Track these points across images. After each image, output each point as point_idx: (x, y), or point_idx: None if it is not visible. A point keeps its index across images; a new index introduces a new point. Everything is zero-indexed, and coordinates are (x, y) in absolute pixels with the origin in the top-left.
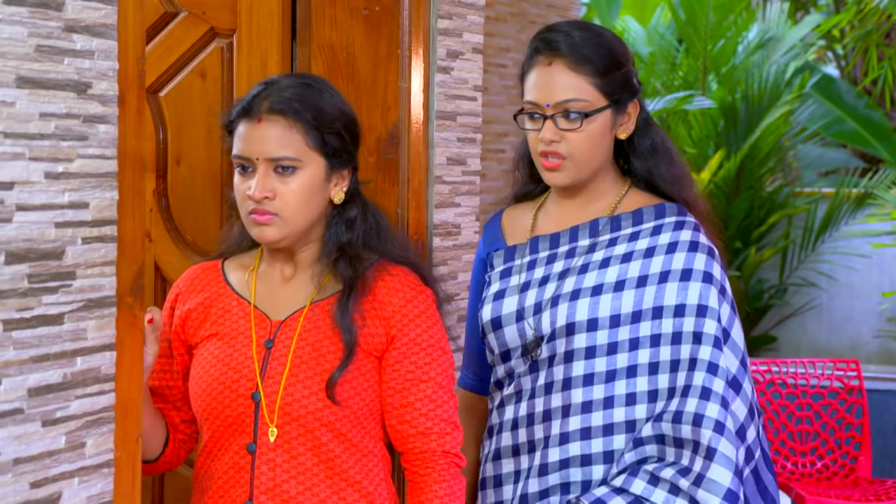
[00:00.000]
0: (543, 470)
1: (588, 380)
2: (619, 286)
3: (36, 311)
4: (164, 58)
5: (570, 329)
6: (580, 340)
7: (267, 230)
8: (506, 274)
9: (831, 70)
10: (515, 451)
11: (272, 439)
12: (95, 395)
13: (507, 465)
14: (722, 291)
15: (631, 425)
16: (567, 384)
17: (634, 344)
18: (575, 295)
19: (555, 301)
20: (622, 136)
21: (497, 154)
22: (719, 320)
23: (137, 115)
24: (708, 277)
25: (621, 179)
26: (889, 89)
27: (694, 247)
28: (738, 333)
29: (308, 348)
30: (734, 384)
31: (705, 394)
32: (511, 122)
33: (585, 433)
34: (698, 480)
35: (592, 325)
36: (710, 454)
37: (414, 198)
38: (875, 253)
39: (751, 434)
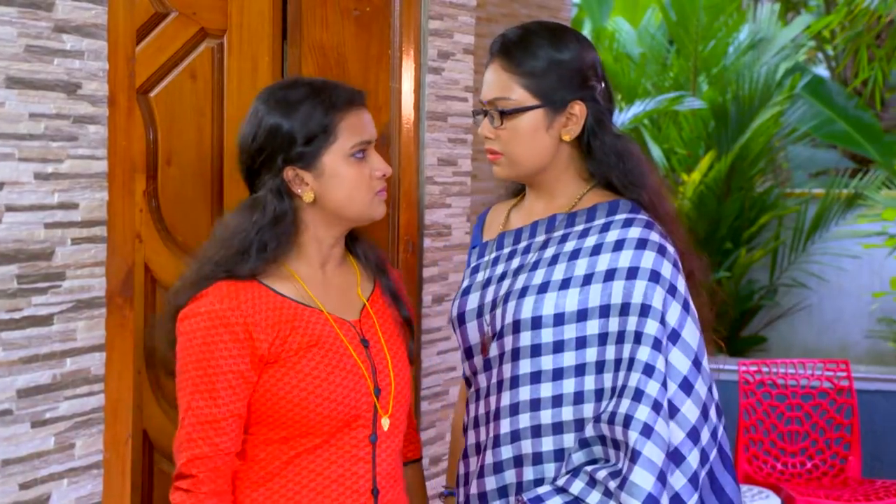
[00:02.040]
0: (498, 467)
1: (535, 377)
2: (565, 284)
3: (25, 311)
4: (154, 58)
5: (516, 327)
6: (525, 338)
7: (384, 206)
8: (475, 270)
9: (822, 71)
10: (477, 450)
11: (386, 428)
12: (85, 396)
13: (473, 463)
14: (671, 291)
15: (580, 424)
16: (515, 382)
17: (581, 342)
18: (523, 292)
19: (506, 298)
20: (566, 138)
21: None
22: (663, 321)
23: (127, 116)
24: (655, 276)
25: (584, 179)
26: (879, 90)
27: (642, 244)
28: (690, 333)
29: (389, 340)
30: (685, 385)
31: (637, 395)
32: None
33: (535, 431)
34: (622, 483)
35: (536, 322)
36: (634, 457)
37: (405, 198)
38: (865, 253)
39: (705, 436)
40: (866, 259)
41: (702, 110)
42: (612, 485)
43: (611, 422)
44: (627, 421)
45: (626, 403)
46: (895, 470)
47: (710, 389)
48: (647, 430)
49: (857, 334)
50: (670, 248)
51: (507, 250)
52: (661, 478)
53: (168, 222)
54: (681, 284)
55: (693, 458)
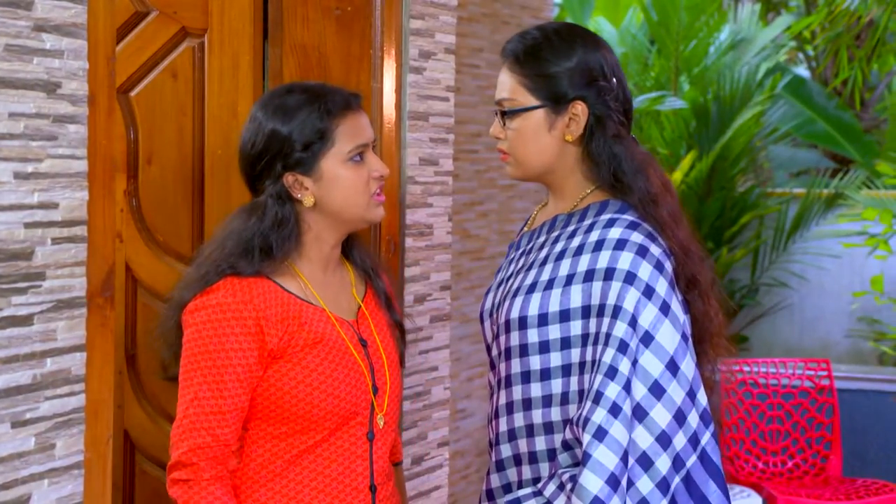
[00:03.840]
0: (500, 465)
1: (525, 377)
2: (549, 284)
3: (5, 311)
4: (134, 57)
5: (507, 326)
6: (514, 338)
7: (382, 209)
8: (499, 270)
9: (802, 71)
10: (490, 446)
11: (381, 425)
12: (66, 397)
13: (489, 460)
14: (647, 292)
15: (567, 424)
16: (508, 381)
17: (566, 343)
18: (516, 292)
19: (504, 298)
20: (568, 138)
21: (470, 154)
22: (634, 323)
23: (108, 115)
24: (630, 278)
25: (589, 181)
26: (859, 90)
27: (621, 245)
28: (665, 337)
29: (384, 340)
30: (655, 389)
31: (597, 398)
32: (484, 123)
33: (529, 430)
34: (574, 485)
35: (523, 323)
36: (585, 459)
37: (386, 198)
38: (846, 253)
39: (679, 441)
40: (847, 258)
41: (683, 110)
42: (569, 487)
43: (576, 424)
44: (584, 423)
45: (587, 406)
46: (876, 469)
47: (690, 395)
48: (600, 433)
49: (838, 334)
50: (654, 250)
51: (520, 251)
52: (612, 481)
53: (149, 222)
54: (661, 287)
55: (662, 464)
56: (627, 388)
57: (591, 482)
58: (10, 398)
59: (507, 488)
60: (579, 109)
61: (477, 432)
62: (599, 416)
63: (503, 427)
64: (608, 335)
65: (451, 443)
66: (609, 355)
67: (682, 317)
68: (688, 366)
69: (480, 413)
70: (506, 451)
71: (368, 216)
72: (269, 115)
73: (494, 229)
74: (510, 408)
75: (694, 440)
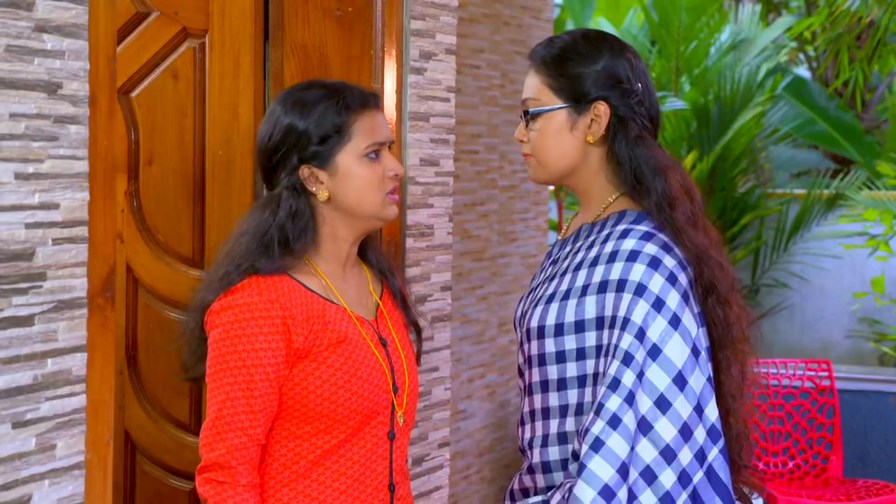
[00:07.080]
0: (530, 470)
1: (543, 386)
2: (566, 295)
3: (6, 312)
4: (135, 58)
5: (528, 335)
6: (534, 347)
7: (396, 208)
8: (533, 278)
9: (803, 72)
10: (521, 451)
11: (401, 424)
12: (66, 397)
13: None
14: (657, 305)
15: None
16: (531, 389)
17: (581, 354)
18: (538, 302)
19: (530, 306)
20: (590, 139)
21: (471, 155)
22: (641, 336)
23: (108, 116)
24: (640, 289)
25: (614, 186)
26: (860, 91)
27: (633, 256)
28: (673, 350)
29: (401, 339)
30: (661, 403)
31: (598, 409)
32: (485, 123)
33: (545, 440)
34: (570, 496)
35: (541, 332)
36: (580, 470)
37: None
38: (846, 254)
39: (685, 456)
40: (847, 259)
41: (684, 111)
42: (567, 498)
43: (580, 434)
44: (585, 434)
45: (590, 417)
46: (876, 469)
47: (697, 410)
48: (597, 444)
49: (839, 334)
50: (668, 262)
51: (551, 259)
52: (606, 493)
53: (149, 222)
54: (672, 300)
55: (666, 478)
56: (630, 400)
57: (585, 493)
58: (11, 398)
59: (524, 493)
60: (601, 110)
61: (477, 433)
62: (598, 427)
63: (527, 434)
64: (615, 347)
65: (452, 443)
66: (614, 367)
67: (695, 330)
68: (696, 380)
69: (481, 414)
70: (533, 456)
71: (382, 214)
72: (287, 108)
73: (495, 230)
74: (532, 416)
75: (700, 456)
